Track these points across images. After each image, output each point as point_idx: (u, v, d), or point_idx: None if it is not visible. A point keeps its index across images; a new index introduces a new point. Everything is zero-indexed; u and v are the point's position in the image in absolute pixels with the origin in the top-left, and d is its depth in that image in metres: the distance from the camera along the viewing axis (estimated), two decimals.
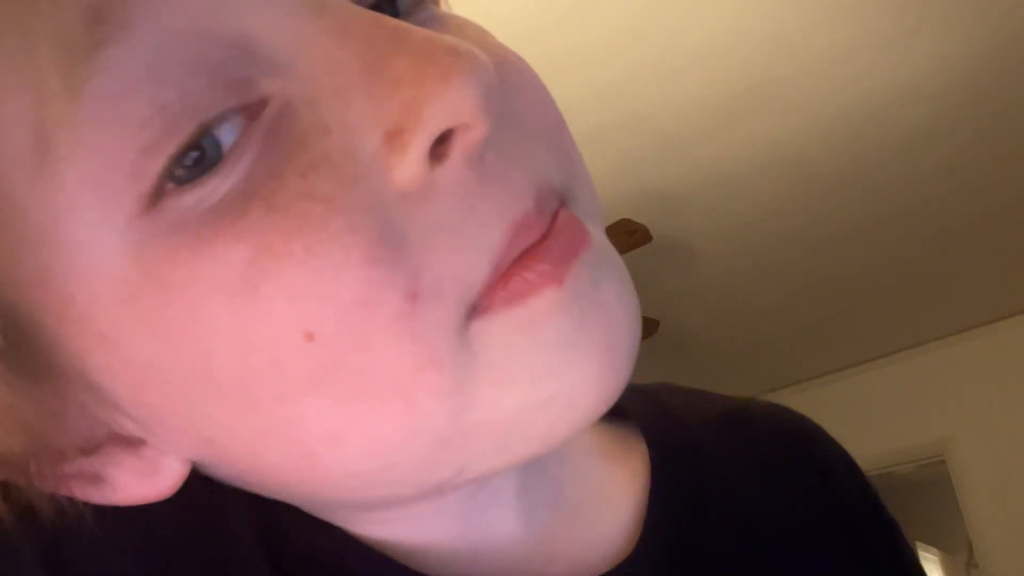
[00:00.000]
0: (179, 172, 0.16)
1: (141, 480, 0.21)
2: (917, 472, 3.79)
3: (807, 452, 0.35)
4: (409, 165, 0.17)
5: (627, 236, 2.22)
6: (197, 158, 0.16)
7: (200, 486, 0.22)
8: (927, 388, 3.36)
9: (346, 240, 0.17)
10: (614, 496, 0.29)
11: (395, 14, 0.20)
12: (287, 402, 0.18)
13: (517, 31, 1.64)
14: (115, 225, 0.17)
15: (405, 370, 0.17)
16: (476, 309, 0.18)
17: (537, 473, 0.27)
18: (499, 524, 0.26)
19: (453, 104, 0.16)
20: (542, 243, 0.18)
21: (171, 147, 0.16)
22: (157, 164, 0.16)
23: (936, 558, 4.54)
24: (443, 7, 0.22)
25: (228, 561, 0.23)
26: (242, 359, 0.17)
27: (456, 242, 0.17)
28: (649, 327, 2.59)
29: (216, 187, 0.17)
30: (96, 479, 0.20)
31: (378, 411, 0.18)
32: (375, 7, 0.19)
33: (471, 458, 0.20)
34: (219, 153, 0.17)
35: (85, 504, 0.20)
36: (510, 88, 0.19)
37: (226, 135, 0.17)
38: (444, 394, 0.18)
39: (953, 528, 3.99)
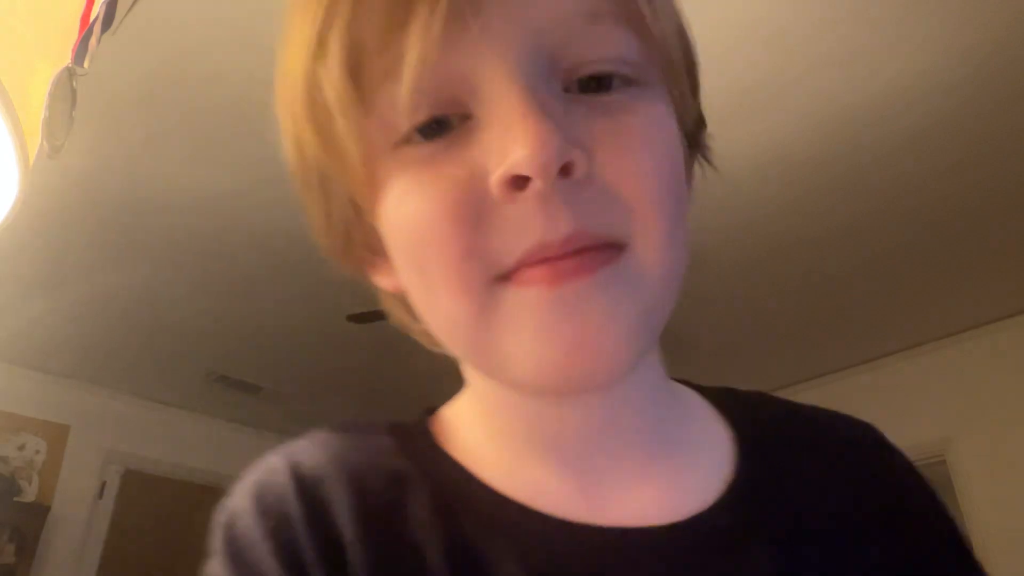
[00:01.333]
0: (415, 136, 0.31)
1: (388, 281, 0.38)
2: None
3: (877, 458, 0.41)
4: (495, 182, 0.29)
5: None
6: (427, 132, 0.31)
7: (395, 450, 0.37)
8: (927, 388, 3.36)
9: (449, 204, 0.30)
10: (712, 451, 0.38)
11: (606, 83, 0.31)
12: (407, 270, 0.33)
13: None
14: (386, 148, 0.32)
15: (452, 291, 0.30)
16: (506, 279, 0.30)
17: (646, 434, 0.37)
18: (615, 479, 0.36)
19: (518, 164, 0.28)
20: (555, 260, 0.29)
21: (415, 122, 0.31)
22: (405, 127, 0.31)
23: None
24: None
25: (401, 479, 0.35)
26: (396, 235, 0.33)
27: (504, 236, 0.29)
28: None
29: (423, 149, 0.31)
30: (375, 275, 0.38)
31: (436, 305, 0.32)
32: (591, 80, 0.31)
33: (494, 366, 0.32)
34: (440, 131, 0.31)
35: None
36: (606, 164, 0.30)
37: (450, 121, 0.31)
38: (470, 312, 0.30)
39: None
